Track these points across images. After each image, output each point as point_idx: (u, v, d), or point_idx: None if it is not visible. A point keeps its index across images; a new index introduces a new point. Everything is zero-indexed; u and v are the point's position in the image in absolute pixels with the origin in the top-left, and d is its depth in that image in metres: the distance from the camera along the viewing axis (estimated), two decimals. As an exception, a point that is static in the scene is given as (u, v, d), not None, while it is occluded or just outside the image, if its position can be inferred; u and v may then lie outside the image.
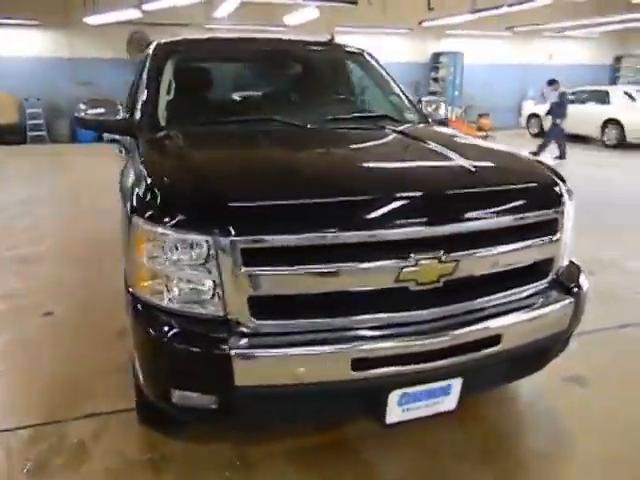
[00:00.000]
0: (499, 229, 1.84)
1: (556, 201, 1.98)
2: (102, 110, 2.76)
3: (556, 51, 16.75)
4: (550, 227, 1.95)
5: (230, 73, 3.28)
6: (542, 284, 1.98)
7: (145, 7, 9.55)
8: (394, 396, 1.77)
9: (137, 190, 1.89)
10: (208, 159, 2.12)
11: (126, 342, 2.05)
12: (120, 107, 2.76)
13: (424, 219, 1.71)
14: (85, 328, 3.32)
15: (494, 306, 1.87)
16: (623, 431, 2.31)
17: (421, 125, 2.89)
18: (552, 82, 10.39)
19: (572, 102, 13.00)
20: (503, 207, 1.85)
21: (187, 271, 1.68)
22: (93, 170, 8.47)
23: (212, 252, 1.63)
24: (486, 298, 1.85)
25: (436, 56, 15.58)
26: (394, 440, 2.23)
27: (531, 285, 1.96)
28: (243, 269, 1.62)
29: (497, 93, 15.38)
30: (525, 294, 1.94)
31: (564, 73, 16.38)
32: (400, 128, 2.58)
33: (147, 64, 2.93)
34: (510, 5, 10.07)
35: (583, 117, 12.24)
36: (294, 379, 1.67)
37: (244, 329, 1.67)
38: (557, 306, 1.96)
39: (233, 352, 1.62)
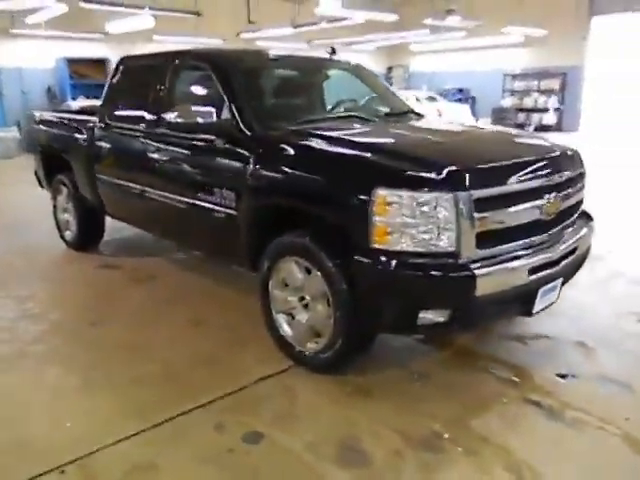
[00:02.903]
0: (572, 178, 2.88)
1: (583, 161, 3.10)
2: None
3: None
4: (583, 177, 3.07)
5: (283, 81, 3.73)
6: (580, 215, 3.10)
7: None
8: (540, 292, 2.68)
9: (364, 168, 2.46)
10: (396, 140, 2.77)
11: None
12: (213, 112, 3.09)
13: (552, 172, 2.67)
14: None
15: (572, 227, 2.92)
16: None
17: (432, 117, 3.83)
18: None
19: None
20: (573, 164, 2.90)
21: (434, 221, 2.33)
22: None
23: (454, 204, 2.32)
24: (569, 222, 2.89)
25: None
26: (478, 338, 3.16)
27: (578, 214, 3.05)
28: (475, 214, 2.35)
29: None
30: (578, 221, 3.03)
31: (351, 81, 18.87)
32: (443, 121, 3.47)
33: (219, 73, 3.26)
34: (330, 21, 11.53)
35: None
36: (504, 286, 2.47)
37: (472, 257, 2.40)
38: (590, 227, 3.10)
39: (477, 272, 2.34)
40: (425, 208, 2.33)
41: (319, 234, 2.67)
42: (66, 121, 4.88)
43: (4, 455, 2.25)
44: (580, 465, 2.17)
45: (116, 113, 4.18)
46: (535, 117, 16.25)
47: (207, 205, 3.22)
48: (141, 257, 4.90)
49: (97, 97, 11.73)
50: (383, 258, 2.38)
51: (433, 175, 2.35)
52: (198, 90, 3.50)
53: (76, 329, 3.46)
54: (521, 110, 16.54)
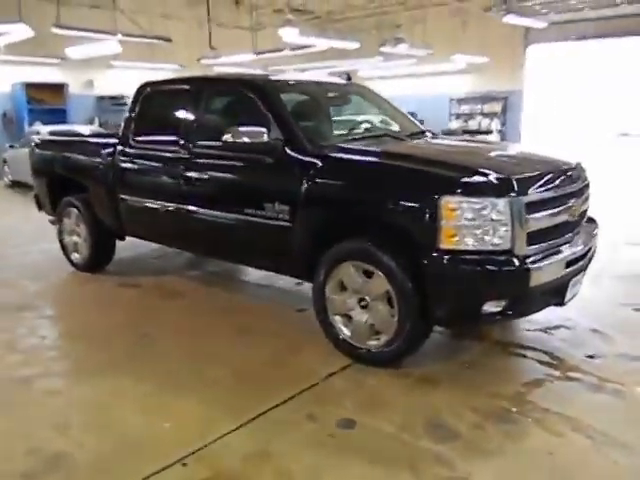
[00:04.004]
0: (586, 185, 3.33)
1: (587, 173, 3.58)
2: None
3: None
4: (589, 186, 3.53)
5: (318, 103, 4.02)
6: (587, 219, 3.56)
7: None
8: (570, 283, 3.08)
9: (430, 179, 2.80)
10: (445, 154, 3.12)
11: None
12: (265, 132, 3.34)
13: (575, 180, 3.11)
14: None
15: (588, 228, 3.37)
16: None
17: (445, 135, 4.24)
18: None
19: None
20: (584, 174, 3.36)
21: (493, 223, 2.68)
22: None
23: (509, 208, 2.68)
24: (584, 224, 3.33)
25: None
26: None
27: (587, 218, 3.51)
28: (526, 216, 2.73)
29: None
30: (587, 223, 3.49)
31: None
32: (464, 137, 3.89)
33: (265, 97, 3.51)
34: (292, 49, 11.96)
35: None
36: (549, 277, 2.85)
37: (522, 254, 2.76)
38: (596, 229, 3.56)
39: (532, 266, 2.71)
40: (485, 212, 2.68)
41: (381, 239, 2.96)
42: (79, 144, 4.95)
43: (118, 454, 2.37)
44: (635, 425, 2.55)
45: (143, 135, 4.31)
46: (480, 138, 17.33)
47: (259, 220, 3.41)
48: (155, 275, 5.00)
49: (56, 122, 11.62)
50: (452, 257, 2.70)
51: (491, 183, 2.72)
52: (241, 112, 3.72)
53: (128, 343, 3.54)
54: (467, 132, 17.56)
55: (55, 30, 8.65)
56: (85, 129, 10.48)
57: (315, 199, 3.17)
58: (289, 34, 10.94)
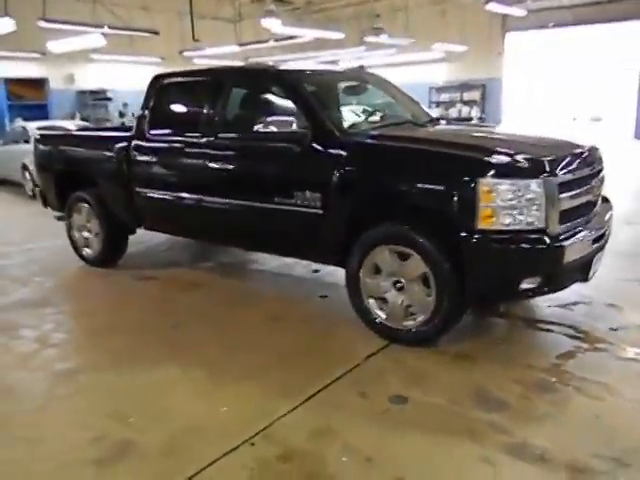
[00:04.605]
0: (602, 167, 3.48)
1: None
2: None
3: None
4: (603, 169, 3.69)
5: (339, 92, 4.08)
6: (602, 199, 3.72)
7: None
8: (594, 260, 3.23)
9: (467, 163, 2.90)
10: (475, 139, 3.24)
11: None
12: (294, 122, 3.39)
13: (594, 161, 3.27)
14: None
15: (604, 207, 3.52)
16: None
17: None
18: None
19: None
20: (600, 156, 3.50)
21: (527, 203, 2.80)
22: None
23: (543, 188, 2.80)
24: (601, 205, 3.48)
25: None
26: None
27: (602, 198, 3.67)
28: (558, 195, 2.86)
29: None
30: (603, 203, 3.65)
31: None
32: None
33: (290, 88, 3.57)
34: (276, 40, 11.95)
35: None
36: (579, 254, 2.99)
37: (554, 232, 2.89)
38: (611, 209, 3.71)
39: (565, 244, 2.85)
40: (520, 192, 2.80)
41: (416, 222, 3.06)
42: (90, 138, 4.91)
43: (183, 438, 2.42)
44: (664, 389, 2.72)
45: (160, 128, 4.31)
46: (489, 124, 17.56)
47: (288, 208, 3.47)
48: (169, 268, 5.02)
49: (37, 118, 11.39)
50: (490, 237, 2.82)
51: (525, 165, 2.85)
52: (265, 103, 3.77)
53: (162, 333, 3.57)
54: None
55: (41, 24, 8.47)
56: (70, 124, 10.32)
57: (348, 186, 3.24)
58: (273, 24, 10.95)
